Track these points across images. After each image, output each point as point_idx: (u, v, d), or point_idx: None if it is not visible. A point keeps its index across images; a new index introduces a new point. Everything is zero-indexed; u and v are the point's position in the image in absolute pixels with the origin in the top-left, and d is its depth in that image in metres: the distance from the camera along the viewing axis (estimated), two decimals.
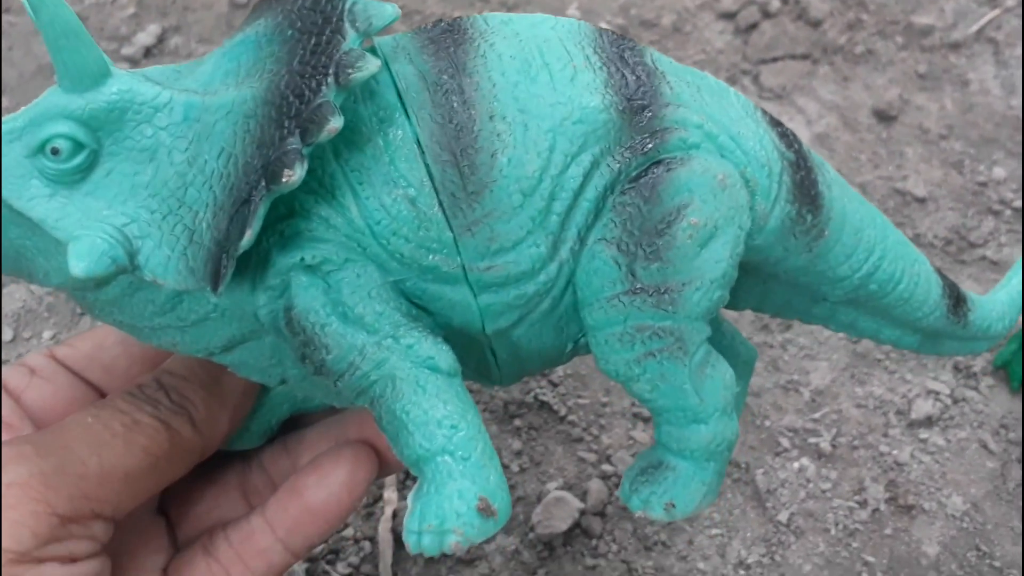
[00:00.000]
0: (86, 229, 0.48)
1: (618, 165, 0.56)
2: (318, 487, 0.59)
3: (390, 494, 1.21)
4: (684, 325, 0.56)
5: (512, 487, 1.22)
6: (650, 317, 0.56)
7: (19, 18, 1.60)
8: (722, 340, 0.71)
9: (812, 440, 1.24)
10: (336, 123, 0.47)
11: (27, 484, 0.48)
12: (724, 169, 0.57)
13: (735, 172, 0.58)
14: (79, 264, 0.47)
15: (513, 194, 0.53)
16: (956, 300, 0.75)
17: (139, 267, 0.49)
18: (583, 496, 1.20)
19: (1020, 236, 1.37)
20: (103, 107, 0.49)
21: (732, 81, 1.53)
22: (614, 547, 1.18)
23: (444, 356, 0.55)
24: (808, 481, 1.22)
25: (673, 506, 0.63)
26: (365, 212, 0.53)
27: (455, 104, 0.53)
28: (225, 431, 0.60)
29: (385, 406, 0.54)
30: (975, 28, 1.54)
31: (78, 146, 0.49)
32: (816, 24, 1.55)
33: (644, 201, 0.55)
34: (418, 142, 0.52)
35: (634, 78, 0.56)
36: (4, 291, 1.35)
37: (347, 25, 0.50)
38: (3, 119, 0.50)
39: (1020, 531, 1.19)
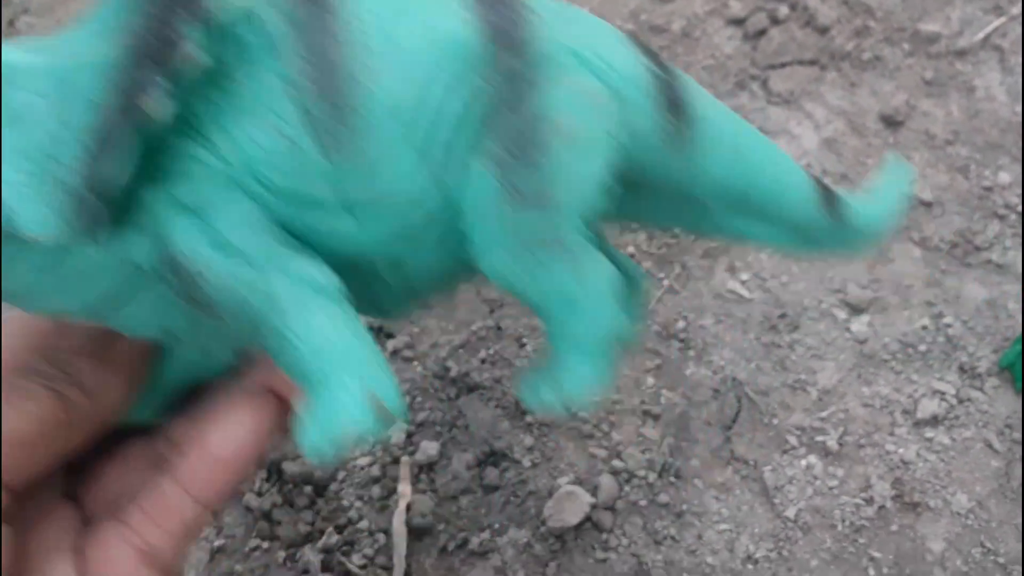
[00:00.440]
0: None
1: (493, 89, 0.58)
2: (222, 437, 0.60)
3: (404, 487, 1.23)
4: (565, 229, 0.59)
5: (523, 482, 1.24)
6: (533, 225, 0.58)
7: (39, 19, 1.62)
8: (614, 262, 0.74)
9: (819, 438, 1.26)
10: (200, 60, 0.49)
11: None
12: (593, 85, 0.60)
13: (604, 87, 0.61)
14: None
15: (389, 124, 0.55)
16: (828, 196, 0.77)
17: (16, 225, 0.51)
18: (594, 491, 1.22)
19: (1022, 240, 1.39)
20: None
21: (741, 86, 1.55)
22: (624, 541, 1.20)
23: (327, 277, 0.56)
24: (815, 478, 1.24)
25: (563, 392, 0.64)
26: (239, 149, 0.54)
27: (323, 41, 0.54)
28: (120, 397, 0.61)
29: (273, 331, 0.55)
30: (981, 35, 1.56)
31: None
32: (824, 31, 1.57)
33: (520, 120, 0.57)
34: (288, 79, 0.54)
35: (503, 7, 0.58)
36: None
37: None
38: None
39: (1023, 528, 1.21)
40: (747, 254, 1.40)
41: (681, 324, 1.35)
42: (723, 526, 1.22)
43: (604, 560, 1.19)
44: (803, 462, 1.25)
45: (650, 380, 1.31)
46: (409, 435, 1.27)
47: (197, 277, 0.54)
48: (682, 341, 1.34)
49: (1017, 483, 1.23)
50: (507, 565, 1.19)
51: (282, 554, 1.20)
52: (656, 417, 1.28)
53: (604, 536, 1.20)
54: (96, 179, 0.50)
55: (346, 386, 0.55)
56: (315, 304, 0.55)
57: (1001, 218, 1.41)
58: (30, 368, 0.60)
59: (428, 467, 1.25)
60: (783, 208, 0.79)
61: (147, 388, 0.70)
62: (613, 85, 0.64)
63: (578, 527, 1.20)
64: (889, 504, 1.22)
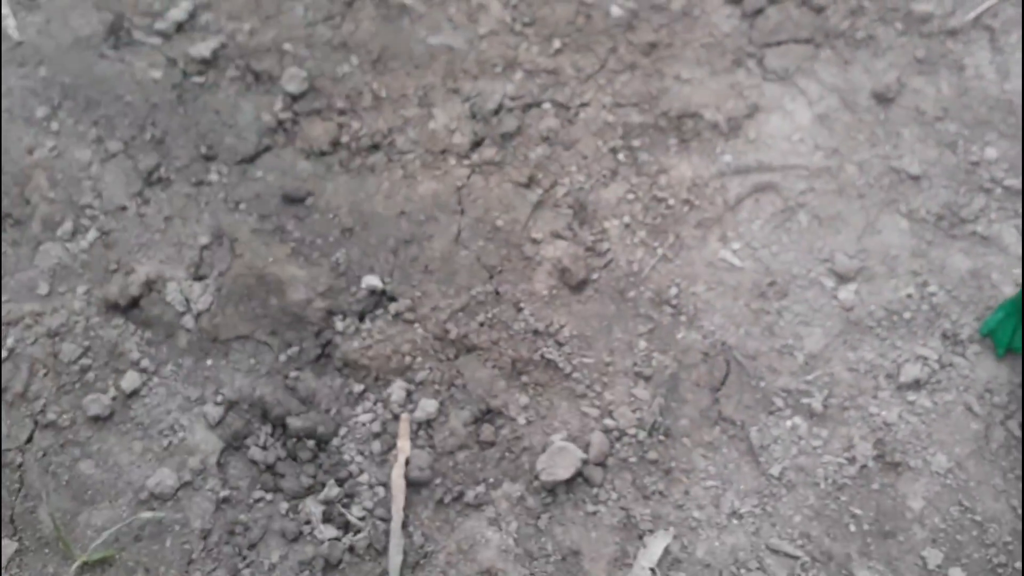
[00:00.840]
0: None
1: None
2: None
3: (403, 443, 1.28)
4: None
5: (518, 438, 1.29)
6: None
7: None
8: None
9: (805, 400, 1.31)
10: None
11: None
12: None
13: None
14: None
15: None
16: None
17: None
18: (585, 448, 1.27)
19: (1010, 214, 1.43)
20: None
21: (737, 63, 1.59)
22: (614, 495, 1.25)
23: None
24: (800, 438, 1.28)
25: None
26: None
27: None
28: None
29: None
30: (972, 15, 1.59)
31: None
32: (819, 10, 1.61)
33: None
34: None
35: None
36: (40, 248, 1.42)
37: None
38: None
39: (1001, 488, 1.25)
40: (739, 225, 1.44)
41: (674, 291, 1.39)
42: (710, 483, 1.26)
43: (594, 513, 1.24)
44: (788, 423, 1.29)
45: (642, 344, 1.35)
46: (409, 393, 1.31)
47: None
48: (674, 307, 1.38)
49: (996, 445, 1.27)
50: (500, 517, 1.24)
51: (285, 505, 1.25)
52: (647, 378, 1.33)
53: (594, 490, 1.25)
54: None
55: None
56: None
57: (987, 192, 1.44)
58: None
59: (427, 424, 1.30)
60: None
61: None
62: None
63: (569, 481, 1.24)
64: (871, 464, 1.26)
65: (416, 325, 1.37)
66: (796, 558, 1.21)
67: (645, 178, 1.49)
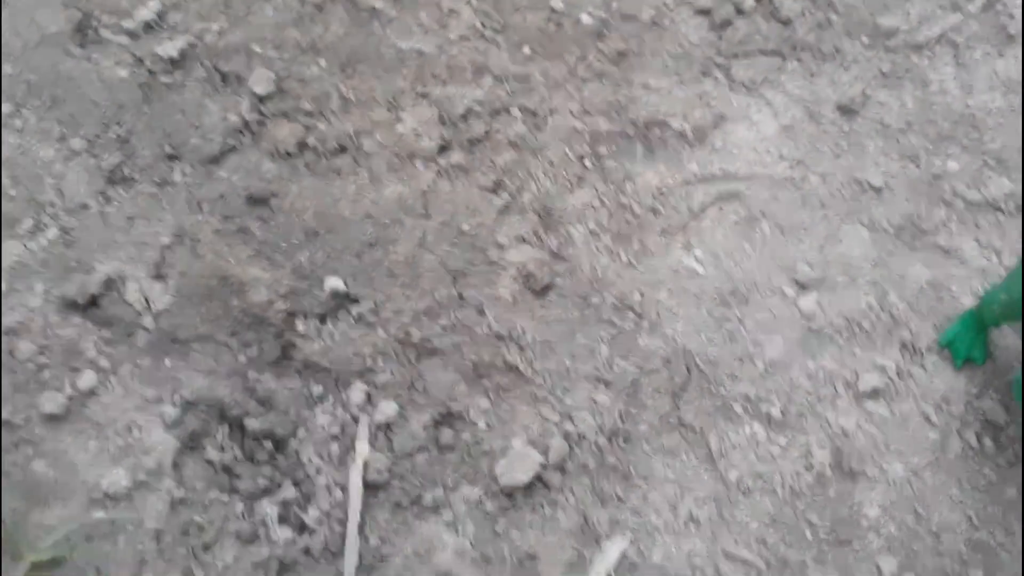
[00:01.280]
0: None
1: None
2: None
3: (362, 445, 1.27)
4: None
5: (478, 442, 1.28)
6: None
7: None
8: None
9: (764, 408, 1.31)
10: None
11: None
12: None
13: None
14: None
15: None
16: None
17: None
18: (545, 452, 1.26)
19: (971, 226, 1.43)
20: None
21: (705, 73, 1.59)
22: (572, 500, 1.24)
23: None
24: (759, 445, 1.28)
25: None
26: None
27: None
28: None
29: None
30: (937, 31, 1.60)
31: None
32: (787, 22, 1.62)
33: None
34: None
35: None
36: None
37: None
38: None
39: (957, 499, 1.25)
40: (703, 232, 1.44)
41: (637, 297, 1.39)
42: (668, 488, 1.26)
43: (552, 517, 1.23)
44: (747, 429, 1.29)
45: (604, 349, 1.35)
46: (369, 396, 1.30)
47: None
48: (637, 313, 1.38)
49: (953, 455, 1.27)
50: (458, 520, 1.23)
51: (240, 506, 1.24)
52: (608, 384, 1.32)
53: (553, 495, 1.24)
54: None
55: None
56: None
57: (948, 204, 1.45)
58: None
59: (386, 426, 1.29)
60: None
61: None
62: None
63: (528, 486, 1.24)
64: (828, 471, 1.26)
65: (378, 328, 1.36)
66: (752, 564, 1.21)
67: (611, 185, 1.49)
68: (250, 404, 1.29)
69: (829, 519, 1.24)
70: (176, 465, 1.26)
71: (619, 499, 1.24)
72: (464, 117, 1.55)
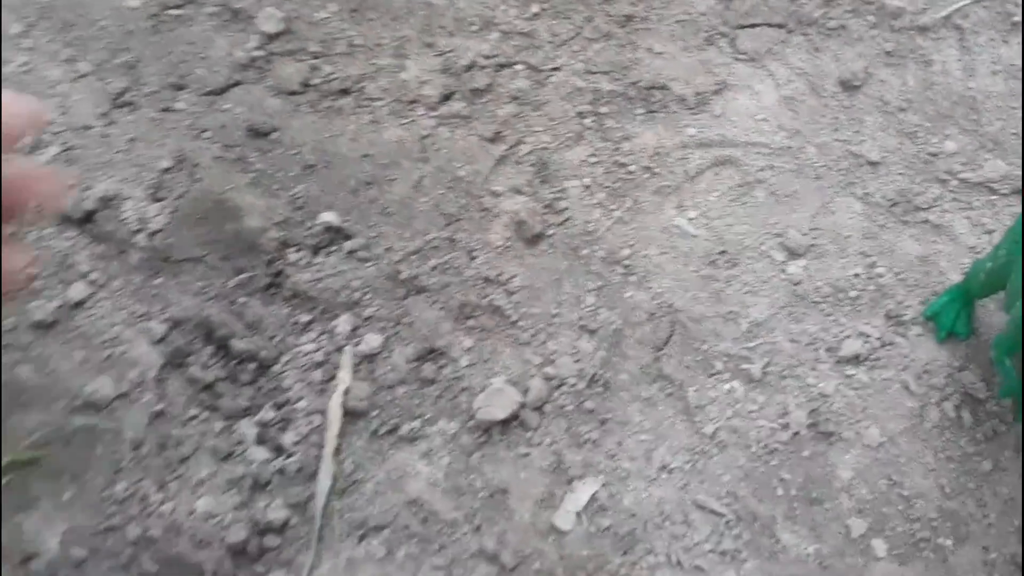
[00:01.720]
0: None
1: None
2: None
3: (344, 373, 1.26)
4: None
5: (458, 379, 1.28)
6: None
7: None
8: None
9: (744, 366, 1.30)
10: None
11: None
12: None
13: None
14: None
15: None
16: None
17: None
18: (524, 392, 1.26)
19: (963, 205, 1.43)
20: None
21: (709, 42, 1.59)
22: (547, 440, 1.24)
23: None
24: (736, 401, 1.28)
25: None
26: None
27: None
28: None
29: None
30: (943, 14, 1.60)
31: None
32: None
33: None
34: None
35: None
36: None
37: None
38: None
39: (931, 467, 1.25)
40: (697, 195, 1.44)
41: (626, 252, 1.38)
42: (643, 436, 1.25)
43: (526, 455, 1.22)
44: (726, 386, 1.28)
45: (590, 299, 1.35)
46: (355, 327, 1.30)
47: None
48: (625, 267, 1.37)
49: (930, 425, 1.27)
50: (433, 452, 1.23)
51: (219, 424, 1.24)
52: (592, 332, 1.32)
53: (529, 434, 1.24)
54: None
55: None
56: None
57: (943, 183, 1.44)
58: None
59: (370, 357, 1.28)
60: None
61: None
62: None
63: (505, 423, 1.23)
64: (804, 431, 1.26)
65: (369, 264, 1.36)
66: (721, 515, 1.21)
67: (609, 143, 1.49)
68: (237, 326, 1.29)
69: (802, 477, 1.23)
70: (159, 380, 1.26)
71: (594, 443, 1.24)
72: (468, 69, 1.55)
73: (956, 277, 1.36)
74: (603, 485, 1.22)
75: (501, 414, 1.22)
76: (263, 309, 1.32)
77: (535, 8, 1.60)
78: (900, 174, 1.45)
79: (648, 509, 1.20)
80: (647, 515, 1.20)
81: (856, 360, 1.30)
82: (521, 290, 1.35)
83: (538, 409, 1.25)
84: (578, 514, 1.19)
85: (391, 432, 1.24)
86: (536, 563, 1.16)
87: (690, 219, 1.42)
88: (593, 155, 1.48)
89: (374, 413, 1.25)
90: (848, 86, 1.53)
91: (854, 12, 1.61)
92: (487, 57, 1.57)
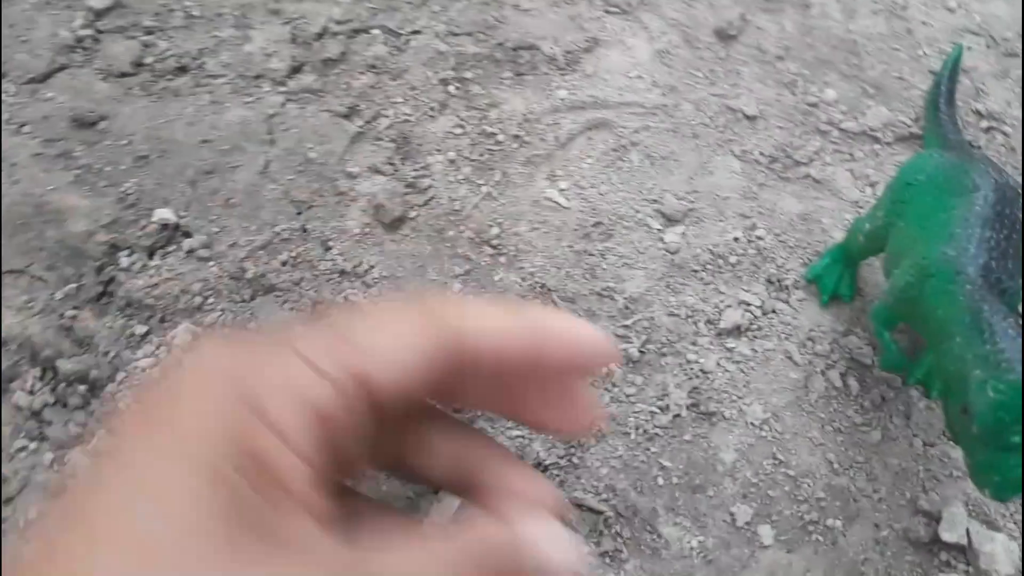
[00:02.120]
0: None
1: None
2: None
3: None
4: None
5: None
6: None
7: None
8: None
9: (622, 346, 1.21)
10: None
11: None
12: None
13: None
14: None
15: None
16: None
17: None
18: None
19: (845, 156, 1.34)
20: None
21: None
22: None
23: None
24: (614, 386, 1.19)
25: None
26: None
27: None
28: None
29: None
30: None
31: None
32: None
33: None
34: None
35: None
36: None
37: None
38: None
39: (818, 441, 1.17)
40: (569, 163, 1.33)
41: (495, 231, 1.28)
42: (514, 433, 1.16)
43: None
44: (602, 370, 1.19)
45: (457, 285, 1.24)
46: (196, 336, 1.18)
47: None
48: (494, 247, 1.27)
49: (815, 396, 1.19)
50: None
51: (50, 455, 1.11)
52: None
53: None
54: None
55: None
56: None
57: (823, 134, 1.35)
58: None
59: None
60: None
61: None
62: None
63: None
64: (684, 413, 1.17)
65: (211, 263, 1.23)
66: (600, 513, 1.12)
67: (475, 112, 1.37)
68: (64, 344, 1.16)
69: (683, 464, 1.15)
70: None
71: None
72: (319, 36, 1.41)
73: (839, 235, 1.28)
74: None
75: None
76: (95, 322, 1.18)
77: None
78: (779, 127, 1.36)
79: None
80: None
81: (737, 332, 1.22)
82: (381, 281, 1.23)
83: None
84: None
85: None
86: None
87: (562, 190, 1.32)
88: (458, 126, 1.36)
89: None
90: (724, 35, 1.43)
91: None
92: (339, 23, 1.43)
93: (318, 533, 0.33)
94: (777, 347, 1.22)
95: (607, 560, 1.10)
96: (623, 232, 1.28)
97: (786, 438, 1.17)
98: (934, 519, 1.09)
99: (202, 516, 0.31)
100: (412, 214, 1.29)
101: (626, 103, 1.37)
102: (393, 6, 1.45)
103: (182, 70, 1.36)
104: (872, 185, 1.31)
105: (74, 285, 1.20)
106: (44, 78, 1.34)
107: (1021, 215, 0.97)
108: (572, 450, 1.15)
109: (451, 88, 1.39)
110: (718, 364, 1.20)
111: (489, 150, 1.34)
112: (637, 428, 1.16)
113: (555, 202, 1.30)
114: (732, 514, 1.12)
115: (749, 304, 1.23)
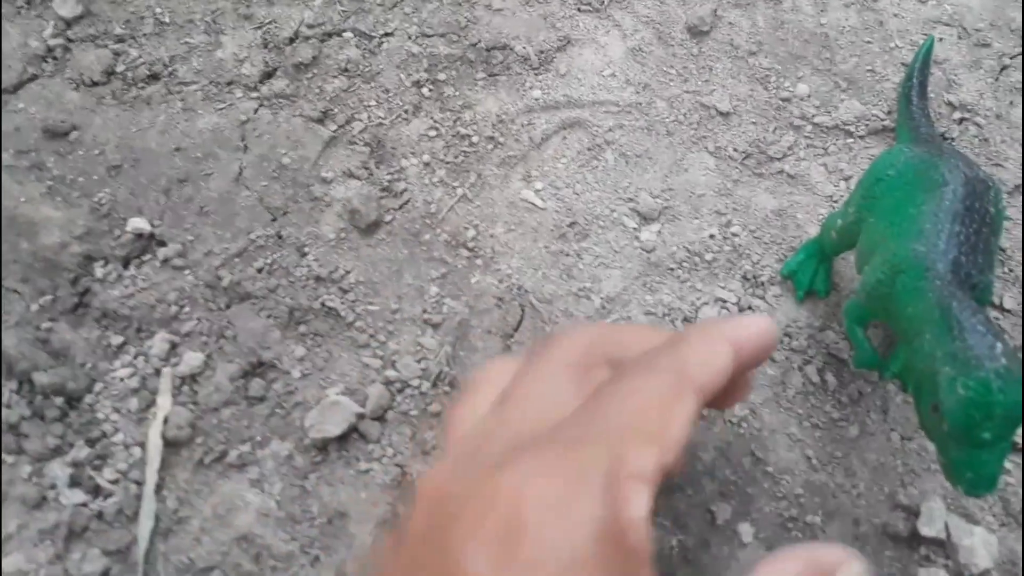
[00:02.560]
0: None
1: None
2: None
3: (163, 399, 1.13)
4: None
5: (290, 393, 1.15)
6: None
7: None
8: None
9: None
10: None
11: None
12: None
13: None
14: None
15: None
16: None
17: None
18: (363, 401, 1.14)
19: (819, 151, 1.34)
20: None
21: None
22: (390, 451, 1.13)
23: None
24: None
25: None
26: None
27: None
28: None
29: None
30: None
31: None
32: None
33: None
34: None
35: None
36: None
37: None
38: None
39: (797, 438, 1.17)
40: (544, 163, 1.32)
41: (471, 233, 1.27)
42: None
43: (366, 471, 1.11)
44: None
45: (433, 289, 1.23)
46: (173, 345, 1.17)
47: None
48: (470, 250, 1.26)
49: (793, 391, 1.19)
50: (265, 478, 1.11)
51: (28, 469, 1.10)
52: (436, 326, 1.20)
53: (370, 447, 1.13)
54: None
55: None
56: None
57: (797, 129, 1.35)
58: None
59: (191, 378, 1.15)
60: None
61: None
62: None
63: (343, 438, 1.12)
64: None
65: (186, 272, 1.21)
66: None
67: (449, 114, 1.36)
68: (40, 357, 1.14)
69: None
70: None
71: (441, 450, 1.13)
72: (291, 41, 1.40)
73: (814, 230, 1.27)
74: None
75: (336, 430, 1.10)
76: (71, 334, 1.17)
77: None
78: (752, 123, 1.35)
79: None
80: None
81: None
82: (357, 286, 1.22)
83: (379, 418, 1.14)
84: None
85: (218, 460, 1.11)
86: None
87: (537, 190, 1.31)
88: (433, 128, 1.35)
89: (198, 440, 1.12)
90: (696, 32, 1.42)
91: None
92: (311, 27, 1.42)
93: None
94: None
95: None
96: (599, 232, 1.28)
97: (764, 435, 1.17)
98: (913, 514, 1.08)
99: None
100: (387, 218, 1.28)
101: (600, 102, 1.36)
102: (365, 9, 1.43)
103: (154, 78, 1.34)
104: (846, 179, 1.31)
105: (49, 297, 1.18)
106: (15, 89, 1.32)
107: (991, 209, 0.96)
108: None
109: (424, 90, 1.37)
110: None
111: (464, 152, 1.33)
112: None
113: (531, 203, 1.29)
114: (712, 512, 1.12)
115: (726, 301, 1.23)
